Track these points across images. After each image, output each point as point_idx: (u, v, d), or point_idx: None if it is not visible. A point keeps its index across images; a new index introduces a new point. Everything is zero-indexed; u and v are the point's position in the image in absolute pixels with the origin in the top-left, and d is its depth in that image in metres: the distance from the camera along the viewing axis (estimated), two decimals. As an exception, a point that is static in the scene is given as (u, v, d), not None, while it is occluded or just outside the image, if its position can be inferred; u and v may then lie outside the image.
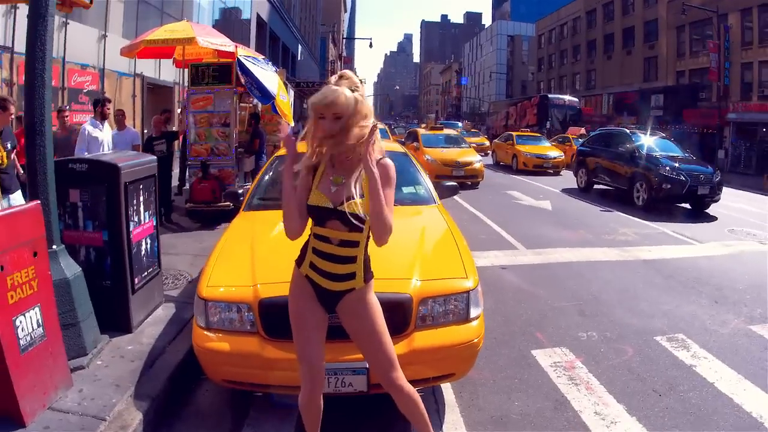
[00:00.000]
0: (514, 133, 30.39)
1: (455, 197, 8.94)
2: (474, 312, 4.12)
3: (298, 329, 3.17)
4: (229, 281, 4.18)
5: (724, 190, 15.80)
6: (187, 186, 12.14)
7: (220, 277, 4.23)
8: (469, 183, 19.17)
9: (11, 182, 6.77)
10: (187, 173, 12.54)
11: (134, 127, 16.96)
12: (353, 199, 2.93)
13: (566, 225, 12.91)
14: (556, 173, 26.52)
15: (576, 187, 20.33)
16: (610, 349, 5.82)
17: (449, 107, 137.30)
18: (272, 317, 3.83)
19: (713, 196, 15.35)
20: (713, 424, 4.40)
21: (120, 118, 10.75)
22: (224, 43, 11.17)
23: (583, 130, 36.60)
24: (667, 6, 47.04)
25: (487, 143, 38.53)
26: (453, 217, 6.09)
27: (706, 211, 15.53)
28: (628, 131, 18.91)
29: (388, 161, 3.02)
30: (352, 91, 2.84)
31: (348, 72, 2.99)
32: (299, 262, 3.18)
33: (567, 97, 50.45)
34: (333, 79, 2.92)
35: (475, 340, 4.06)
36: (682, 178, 14.95)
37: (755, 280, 8.68)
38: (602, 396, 4.76)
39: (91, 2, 5.53)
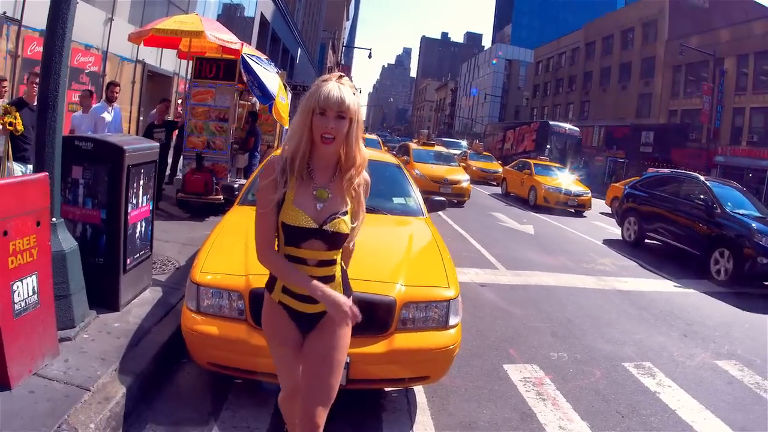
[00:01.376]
0: (533, 161, 25.74)
1: (441, 214, 9.13)
2: (453, 320, 4.31)
3: (275, 349, 2.97)
4: (222, 269, 4.32)
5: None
6: (180, 176, 12.23)
7: (213, 264, 4.36)
8: (455, 201, 19.32)
9: (32, 153, 6.90)
10: (180, 163, 12.65)
11: (130, 112, 17.14)
12: (338, 216, 2.66)
13: (547, 250, 13.12)
14: (579, 213, 22.81)
15: (621, 238, 16.51)
16: (578, 370, 6.01)
17: (441, 124, 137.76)
18: (261, 307, 3.96)
19: None
20: (671, 448, 4.60)
21: (84, 100, 10.35)
22: (231, 40, 11.31)
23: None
24: (666, 45, 47.72)
25: (500, 170, 31.34)
26: (439, 232, 6.29)
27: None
28: (702, 178, 14.86)
29: (367, 177, 2.82)
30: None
31: (346, 77, 2.68)
32: (269, 286, 2.87)
33: (568, 126, 47.37)
34: (332, 77, 2.62)
35: (452, 347, 4.24)
36: None
37: (726, 319, 8.98)
38: (567, 412, 4.95)
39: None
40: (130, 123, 17.78)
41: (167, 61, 20.32)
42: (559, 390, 5.42)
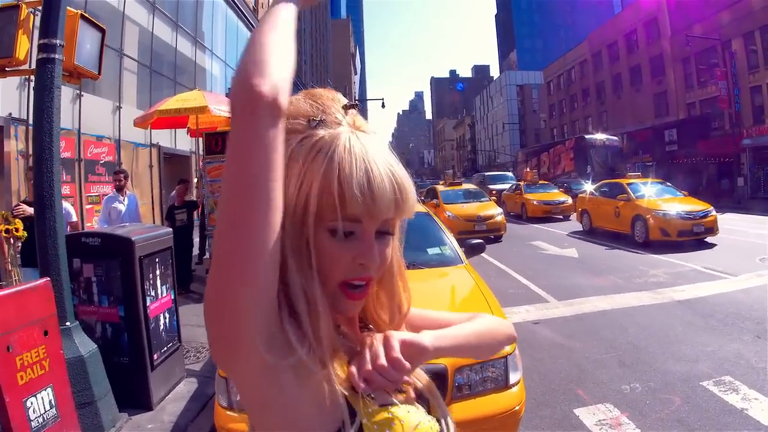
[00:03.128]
0: (624, 181, 20.83)
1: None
2: (514, 377, 3.89)
3: None
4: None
5: (748, 218, 14.98)
6: (207, 255, 12.08)
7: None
8: (492, 237, 18.96)
9: None
10: (207, 243, 12.50)
11: (152, 197, 17.15)
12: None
13: (594, 271, 12.62)
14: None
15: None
16: (656, 400, 5.52)
17: (465, 161, 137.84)
18: None
19: None
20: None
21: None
22: (236, 111, 11.19)
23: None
24: (671, 40, 47.27)
25: (568, 200, 26.93)
26: (479, 272, 5.90)
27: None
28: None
29: None
30: None
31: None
32: None
33: (605, 136, 44.50)
34: (334, 110, 1.06)
35: (517, 408, 3.82)
36: None
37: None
38: (655, 453, 4.47)
39: (100, 74, 5.48)
40: (153, 207, 17.80)
41: (182, 141, 20.45)
42: (639, 428, 4.93)
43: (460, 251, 6.29)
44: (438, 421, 1.13)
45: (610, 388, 5.92)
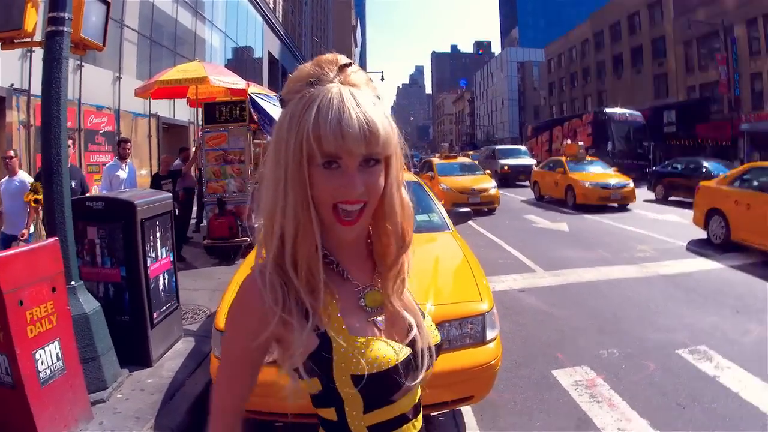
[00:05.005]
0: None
1: (472, 224, 8.89)
2: (490, 334, 4.12)
3: None
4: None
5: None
6: (204, 223, 12.25)
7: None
8: (486, 209, 19.18)
9: None
10: (204, 211, 12.66)
11: (150, 167, 17.28)
12: (422, 324, 1.44)
13: (584, 245, 12.83)
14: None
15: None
16: (631, 365, 5.76)
17: (464, 136, 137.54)
18: None
19: None
20: (740, 434, 4.34)
21: (9, 163, 8.37)
22: (235, 81, 11.33)
23: None
24: (673, 23, 47.15)
25: (630, 184, 20.55)
26: (470, 243, 6.12)
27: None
28: None
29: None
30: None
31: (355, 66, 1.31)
32: None
33: (627, 111, 39.07)
34: (327, 69, 1.25)
35: (493, 362, 4.04)
36: None
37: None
38: (625, 412, 4.71)
39: (104, 45, 5.61)
40: (152, 177, 17.94)
41: (181, 111, 20.52)
42: (613, 389, 5.17)
43: (447, 218, 6.53)
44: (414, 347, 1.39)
45: (588, 352, 6.15)
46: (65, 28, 4.69)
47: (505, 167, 34.49)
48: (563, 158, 23.90)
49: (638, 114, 38.84)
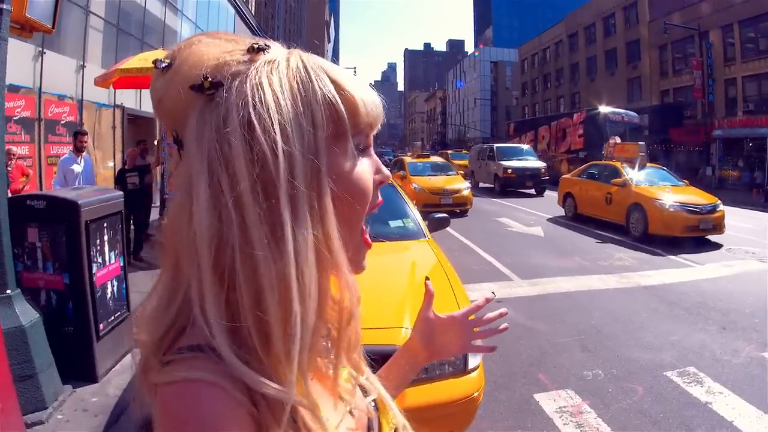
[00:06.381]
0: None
1: (445, 226, 8.43)
2: (473, 362, 3.67)
3: None
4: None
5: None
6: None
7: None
8: (458, 210, 18.83)
9: None
10: (164, 207, 12.16)
11: (114, 159, 16.68)
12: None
13: (560, 252, 12.50)
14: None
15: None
16: (618, 389, 5.38)
17: (435, 134, 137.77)
18: None
19: None
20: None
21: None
22: (200, 72, 10.83)
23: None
24: (649, 26, 47.37)
25: (720, 205, 14.32)
26: (443, 247, 5.71)
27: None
28: None
29: None
30: None
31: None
32: None
33: (624, 111, 35.75)
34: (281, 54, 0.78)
35: (475, 394, 3.60)
36: None
37: (761, 302, 8.31)
38: (615, 445, 4.31)
39: (54, 27, 5.11)
40: (115, 170, 17.35)
41: (147, 102, 19.78)
42: (600, 417, 4.78)
43: (423, 225, 6.06)
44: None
45: (571, 373, 5.77)
46: (4, 6, 4.23)
47: (509, 170, 27.72)
48: (618, 164, 16.69)
49: (635, 114, 36.12)
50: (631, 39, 50.99)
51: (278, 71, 0.73)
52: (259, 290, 0.67)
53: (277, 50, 0.78)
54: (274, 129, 0.68)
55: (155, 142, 14.20)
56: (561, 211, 18.98)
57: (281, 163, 0.68)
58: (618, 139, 21.56)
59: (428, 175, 20.76)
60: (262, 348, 0.68)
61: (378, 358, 2.88)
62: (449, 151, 47.75)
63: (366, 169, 0.80)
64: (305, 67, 0.75)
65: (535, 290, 9.12)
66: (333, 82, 0.76)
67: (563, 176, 20.48)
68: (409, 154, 30.42)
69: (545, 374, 5.74)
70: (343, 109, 0.75)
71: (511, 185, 27.88)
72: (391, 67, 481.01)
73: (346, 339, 0.87)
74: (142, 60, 10.68)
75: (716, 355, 6.29)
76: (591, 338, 6.81)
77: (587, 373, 5.75)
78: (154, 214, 12.27)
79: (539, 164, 28.63)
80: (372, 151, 0.83)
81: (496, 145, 32.23)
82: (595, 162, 19.42)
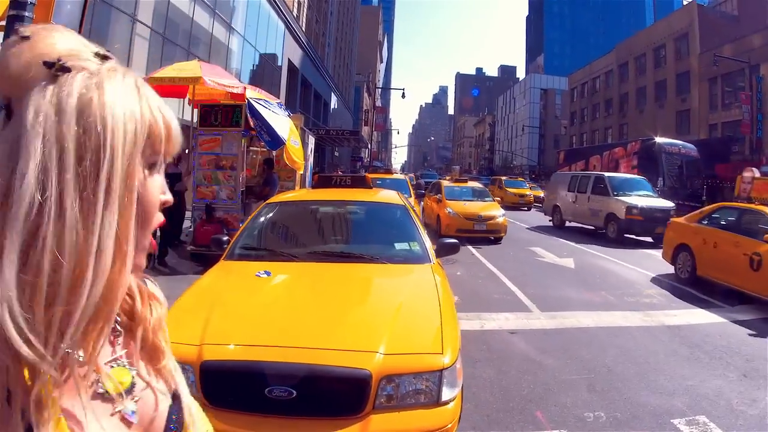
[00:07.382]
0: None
1: (474, 252, 8.22)
2: (448, 394, 3.48)
3: None
4: (176, 337, 3.64)
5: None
6: (191, 226, 11.88)
7: (170, 332, 3.68)
8: (492, 238, 18.60)
9: None
10: (192, 215, 12.26)
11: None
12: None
13: (588, 285, 12.16)
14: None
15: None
16: (618, 434, 5.11)
17: (482, 160, 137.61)
18: (213, 382, 3.32)
19: None
20: None
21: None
22: (232, 84, 10.88)
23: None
24: (699, 58, 46.74)
25: None
26: (469, 274, 5.55)
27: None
28: None
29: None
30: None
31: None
32: None
33: (681, 143, 33.54)
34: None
35: (449, 426, 3.42)
36: None
37: (792, 350, 7.89)
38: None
39: (80, 34, 5.13)
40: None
41: (186, 111, 20.11)
42: (594, 464, 4.53)
43: (430, 249, 5.86)
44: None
45: (571, 413, 5.49)
46: (26, 13, 4.27)
47: (634, 211, 20.53)
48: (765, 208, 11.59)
49: (692, 147, 33.35)
50: (682, 71, 50.42)
51: (116, 79, 0.84)
52: (60, 254, 0.73)
53: (118, 64, 0.88)
54: (105, 124, 0.78)
55: (185, 151, 14.32)
56: (668, 268, 13.97)
57: (107, 155, 0.77)
58: (756, 172, 17.00)
59: (464, 200, 20.51)
60: (43, 311, 0.72)
61: (340, 381, 2.74)
62: (503, 178, 46.54)
63: (159, 186, 0.93)
64: (137, 86, 0.87)
65: (552, 323, 8.85)
66: (157, 107, 0.88)
67: (673, 220, 14.99)
68: (447, 177, 30.41)
69: (543, 412, 5.48)
70: (162, 130, 0.88)
71: (634, 231, 20.81)
72: (443, 90, 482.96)
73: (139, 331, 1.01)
74: (175, 69, 10.79)
75: (732, 405, 5.94)
76: (600, 377, 6.52)
77: (588, 415, 5.47)
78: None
79: (668, 204, 21.53)
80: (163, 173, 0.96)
81: (607, 174, 24.81)
82: (726, 204, 13.66)
